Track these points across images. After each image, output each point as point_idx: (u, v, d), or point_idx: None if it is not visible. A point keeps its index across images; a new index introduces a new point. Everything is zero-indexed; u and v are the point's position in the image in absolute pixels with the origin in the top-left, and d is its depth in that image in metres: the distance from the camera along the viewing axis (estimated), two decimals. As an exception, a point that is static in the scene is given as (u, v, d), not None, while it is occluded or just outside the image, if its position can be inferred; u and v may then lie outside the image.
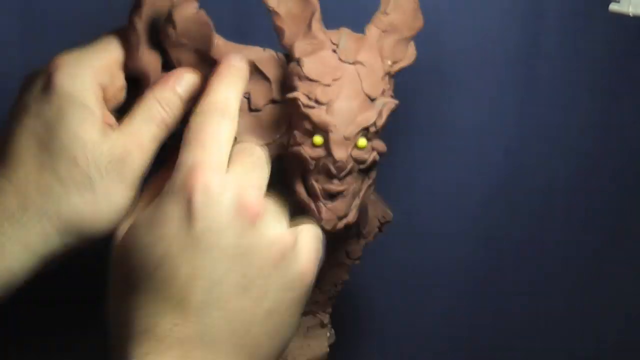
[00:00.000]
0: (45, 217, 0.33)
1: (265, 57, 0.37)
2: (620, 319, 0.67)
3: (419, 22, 0.38)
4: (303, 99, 0.35)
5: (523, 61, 0.60)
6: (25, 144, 0.34)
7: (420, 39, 0.39)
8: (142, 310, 0.31)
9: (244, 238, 0.32)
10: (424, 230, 0.63)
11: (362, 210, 0.40)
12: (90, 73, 0.35)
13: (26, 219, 0.33)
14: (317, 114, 0.34)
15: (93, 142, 0.34)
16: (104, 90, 0.36)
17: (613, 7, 0.45)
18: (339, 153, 0.35)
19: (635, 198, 0.64)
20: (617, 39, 0.60)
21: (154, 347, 0.30)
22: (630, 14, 0.44)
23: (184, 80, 0.37)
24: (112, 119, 0.36)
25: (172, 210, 0.31)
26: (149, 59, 0.38)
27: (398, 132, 0.60)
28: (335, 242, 0.40)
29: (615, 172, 0.63)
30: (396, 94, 0.37)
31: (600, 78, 0.61)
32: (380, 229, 0.44)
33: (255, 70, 0.37)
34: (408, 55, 0.37)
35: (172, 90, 0.36)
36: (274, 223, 0.33)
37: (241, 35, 0.39)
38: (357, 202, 0.37)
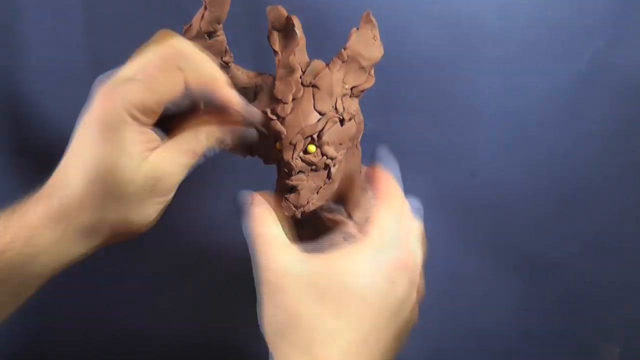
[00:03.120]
0: (95, 221, 0.40)
1: (270, 81, 0.46)
2: (622, 322, 0.68)
3: (376, 53, 0.45)
4: (268, 113, 0.44)
5: (529, 67, 0.62)
6: (77, 171, 0.40)
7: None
8: (320, 327, 0.38)
9: (408, 313, 0.42)
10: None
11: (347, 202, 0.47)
12: (126, 114, 0.39)
13: (81, 219, 0.40)
14: (274, 125, 0.44)
15: (128, 177, 0.39)
16: (143, 122, 0.40)
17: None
18: (286, 155, 0.44)
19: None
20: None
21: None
22: None
23: (237, 132, 0.44)
24: (152, 140, 0.41)
25: (379, 271, 0.40)
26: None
27: (399, 134, 0.62)
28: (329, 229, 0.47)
29: (620, 175, 0.65)
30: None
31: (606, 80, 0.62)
32: None
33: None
34: (368, 80, 0.45)
35: (222, 136, 0.43)
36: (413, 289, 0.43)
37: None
38: (315, 196, 0.45)
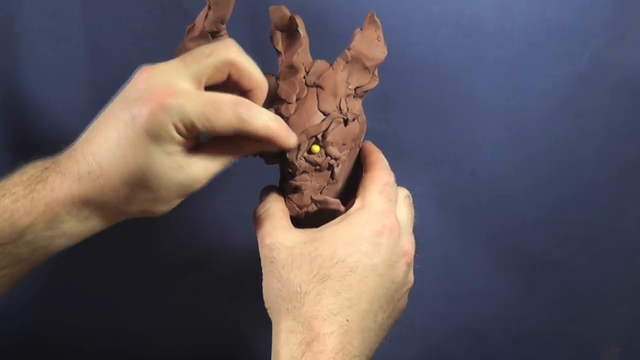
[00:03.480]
0: (120, 211, 0.42)
1: (273, 81, 0.46)
2: (622, 322, 0.68)
3: (380, 54, 0.45)
4: (272, 113, 0.43)
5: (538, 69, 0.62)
6: (116, 163, 0.40)
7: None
8: (321, 302, 0.40)
9: (401, 278, 0.43)
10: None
11: (348, 202, 0.47)
12: (175, 118, 0.39)
13: (107, 207, 0.41)
14: None
15: (168, 177, 0.40)
16: (189, 131, 0.40)
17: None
18: (290, 155, 0.44)
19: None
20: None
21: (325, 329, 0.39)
22: None
23: (282, 143, 0.43)
24: (190, 145, 0.41)
25: (365, 236, 0.41)
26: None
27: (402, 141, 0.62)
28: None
29: (620, 175, 0.65)
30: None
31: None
32: None
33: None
34: (372, 80, 0.46)
35: (255, 151, 0.44)
36: (410, 270, 0.44)
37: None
38: (318, 196, 0.45)
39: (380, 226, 0.41)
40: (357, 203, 0.43)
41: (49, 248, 0.41)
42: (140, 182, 0.39)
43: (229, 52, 0.41)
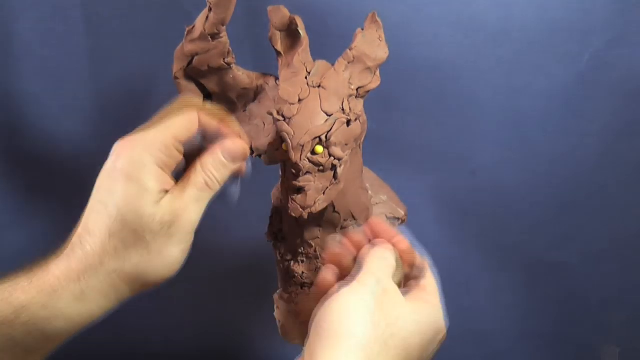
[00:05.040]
0: (115, 274, 0.40)
1: (272, 82, 0.47)
2: (622, 322, 0.68)
3: (382, 54, 0.45)
4: (275, 114, 0.44)
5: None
6: (99, 217, 0.40)
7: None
8: None
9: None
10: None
11: (359, 206, 0.48)
12: (147, 155, 0.40)
13: (101, 273, 0.40)
14: (281, 125, 0.43)
15: (147, 214, 0.39)
16: (162, 164, 0.41)
17: None
18: (294, 156, 0.43)
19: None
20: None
21: None
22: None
23: (228, 149, 0.43)
24: (170, 184, 0.41)
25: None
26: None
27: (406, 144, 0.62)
28: (336, 230, 0.48)
29: (620, 175, 0.65)
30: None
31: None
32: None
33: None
34: (374, 80, 0.46)
35: (217, 159, 0.43)
36: None
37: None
38: (321, 197, 0.45)
39: (442, 334, 0.41)
40: (422, 294, 0.42)
41: (46, 331, 0.39)
42: (124, 217, 0.39)
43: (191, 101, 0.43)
